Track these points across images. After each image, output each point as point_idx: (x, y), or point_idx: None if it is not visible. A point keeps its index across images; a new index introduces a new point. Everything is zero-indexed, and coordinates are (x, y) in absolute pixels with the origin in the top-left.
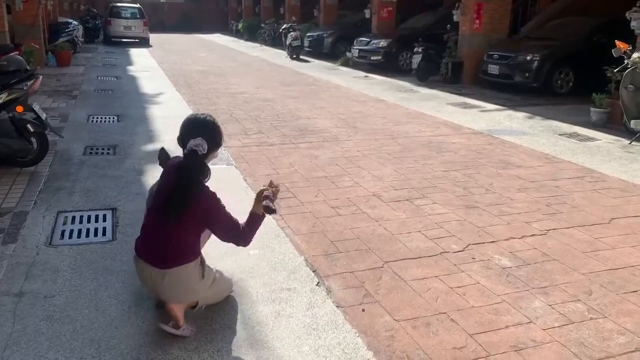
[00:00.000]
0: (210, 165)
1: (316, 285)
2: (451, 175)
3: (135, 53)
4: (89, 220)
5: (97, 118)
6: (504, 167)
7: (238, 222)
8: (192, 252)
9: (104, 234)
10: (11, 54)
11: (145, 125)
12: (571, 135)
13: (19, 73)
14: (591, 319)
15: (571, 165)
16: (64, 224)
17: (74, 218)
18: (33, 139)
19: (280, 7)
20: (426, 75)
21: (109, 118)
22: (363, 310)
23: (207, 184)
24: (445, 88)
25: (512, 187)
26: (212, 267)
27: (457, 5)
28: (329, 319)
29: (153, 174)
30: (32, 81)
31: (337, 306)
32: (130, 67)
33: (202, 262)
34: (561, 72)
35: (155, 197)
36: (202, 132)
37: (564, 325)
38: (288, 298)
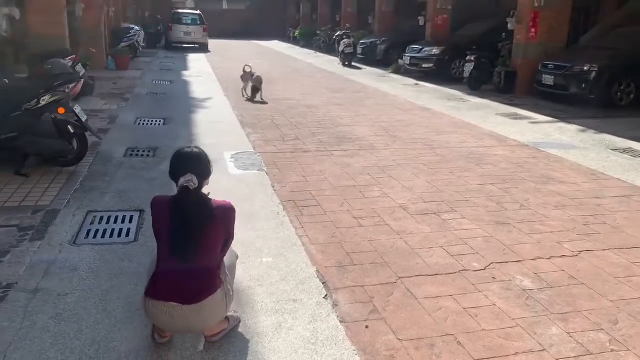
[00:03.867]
0: (242, 170)
1: (323, 298)
2: (486, 189)
3: (193, 58)
4: (115, 221)
5: (145, 121)
6: (545, 182)
7: None
8: (219, 277)
9: (127, 235)
10: (58, 59)
11: (188, 129)
12: (625, 151)
13: (62, 76)
14: (612, 350)
15: (619, 183)
16: (92, 223)
17: (102, 218)
18: (74, 140)
19: (336, 14)
20: (478, 84)
21: (156, 121)
22: (367, 327)
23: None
24: (497, 98)
25: (550, 204)
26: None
27: (512, 13)
28: (330, 334)
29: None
30: (73, 84)
31: (340, 321)
32: (185, 72)
33: (223, 283)
34: (621, 84)
35: (165, 240)
36: (191, 167)
37: (580, 356)
38: (292, 310)
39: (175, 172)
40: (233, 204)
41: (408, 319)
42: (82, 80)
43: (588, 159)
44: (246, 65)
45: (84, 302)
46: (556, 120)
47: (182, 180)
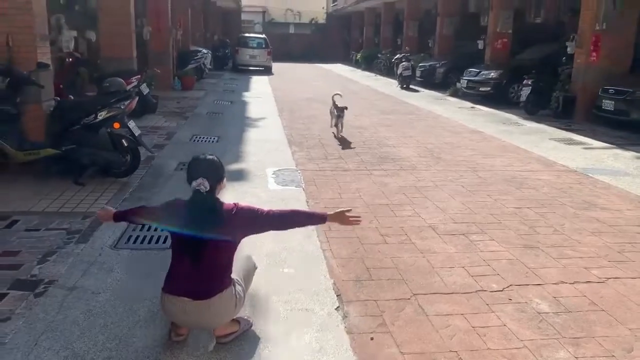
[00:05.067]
0: (281, 186)
1: (335, 309)
2: (522, 213)
3: (256, 80)
4: (155, 229)
5: (200, 138)
6: (586, 208)
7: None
8: (229, 276)
9: (164, 241)
10: (115, 77)
11: (238, 146)
12: None
13: (118, 93)
14: None
15: None
16: (133, 230)
17: (143, 225)
18: (127, 153)
19: (398, 37)
20: (535, 109)
21: (210, 138)
22: (372, 339)
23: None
24: (553, 123)
25: (586, 229)
26: (235, 278)
27: (572, 36)
28: (334, 343)
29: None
30: (129, 101)
31: (347, 332)
32: (246, 93)
33: (234, 284)
34: None
35: (178, 238)
36: (203, 171)
37: None
38: (303, 319)
39: (189, 177)
40: None
41: (414, 334)
42: (137, 98)
43: (639, 187)
44: (335, 94)
45: (113, 300)
46: (612, 146)
47: (194, 184)
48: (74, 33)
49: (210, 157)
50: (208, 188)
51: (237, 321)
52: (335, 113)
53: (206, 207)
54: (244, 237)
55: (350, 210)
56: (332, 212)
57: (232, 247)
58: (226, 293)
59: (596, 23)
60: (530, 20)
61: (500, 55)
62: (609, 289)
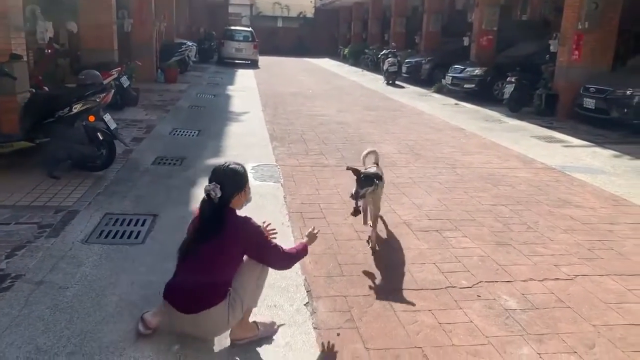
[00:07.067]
0: (259, 181)
1: (304, 305)
2: (497, 210)
3: (241, 74)
4: (129, 223)
5: (180, 131)
6: (560, 205)
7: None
8: (224, 291)
9: (136, 237)
10: (91, 70)
11: (218, 141)
12: None
13: (94, 86)
14: None
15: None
16: (106, 224)
17: (117, 220)
18: (102, 147)
19: (386, 33)
20: (518, 106)
21: (191, 132)
22: (338, 334)
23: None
24: (536, 120)
25: (559, 227)
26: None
27: (554, 35)
28: (300, 339)
29: (203, 185)
30: (104, 94)
31: (314, 328)
32: (230, 87)
33: (230, 295)
34: None
35: (182, 243)
36: (217, 178)
37: None
38: (271, 314)
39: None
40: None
41: (381, 329)
42: (113, 91)
43: (614, 185)
44: (369, 151)
45: (81, 295)
46: (591, 144)
47: (205, 188)
48: (50, 24)
49: (235, 165)
50: (219, 195)
51: (255, 326)
52: (354, 188)
53: (210, 213)
54: (244, 254)
55: (314, 228)
56: (305, 240)
57: (231, 261)
58: (216, 309)
59: (578, 22)
60: (516, 17)
61: (486, 52)
62: (577, 286)
